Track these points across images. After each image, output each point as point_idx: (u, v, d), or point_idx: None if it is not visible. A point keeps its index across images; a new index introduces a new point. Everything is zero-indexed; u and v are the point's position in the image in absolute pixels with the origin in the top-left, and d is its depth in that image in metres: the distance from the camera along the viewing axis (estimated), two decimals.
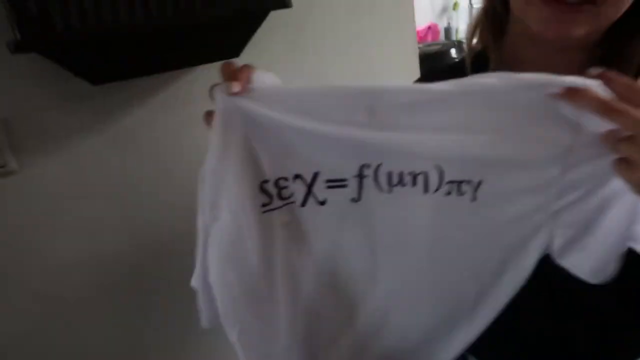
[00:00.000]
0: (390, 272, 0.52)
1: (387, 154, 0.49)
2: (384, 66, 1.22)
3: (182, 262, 1.02)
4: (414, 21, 1.28)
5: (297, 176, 0.51)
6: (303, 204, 0.51)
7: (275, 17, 0.98)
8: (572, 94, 0.42)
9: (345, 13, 1.16)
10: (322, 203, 0.50)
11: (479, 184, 0.49)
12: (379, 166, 0.50)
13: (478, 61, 0.64)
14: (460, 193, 0.49)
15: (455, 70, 0.57)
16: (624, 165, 0.41)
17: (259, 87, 0.50)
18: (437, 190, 0.49)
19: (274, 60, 1.08)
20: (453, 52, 2.39)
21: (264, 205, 0.50)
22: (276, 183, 0.50)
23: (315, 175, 0.50)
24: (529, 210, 0.48)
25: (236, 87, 0.48)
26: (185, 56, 0.92)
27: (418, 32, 3.52)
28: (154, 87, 0.96)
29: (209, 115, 0.51)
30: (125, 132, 0.95)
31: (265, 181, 0.50)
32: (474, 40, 0.69)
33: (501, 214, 0.49)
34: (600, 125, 0.42)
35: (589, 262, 0.48)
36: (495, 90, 0.46)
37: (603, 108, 0.40)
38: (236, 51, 0.94)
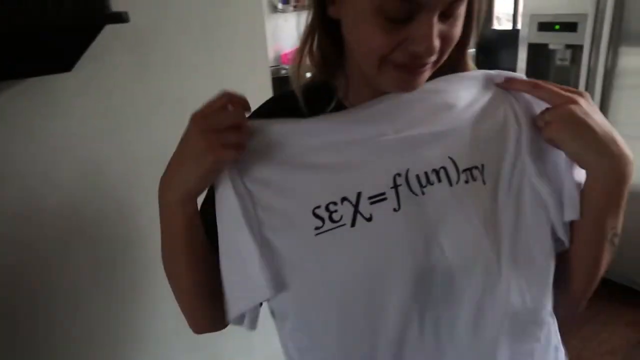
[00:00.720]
0: (442, 271, 0.55)
1: (411, 156, 0.57)
2: (236, 85, 1.23)
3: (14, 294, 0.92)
4: (265, 39, 1.31)
5: (343, 199, 0.55)
6: (353, 224, 0.55)
7: (117, 32, 0.94)
8: (511, 81, 0.60)
9: (196, 30, 1.16)
10: (369, 219, 0.55)
11: (483, 167, 0.57)
12: (407, 172, 0.56)
13: (318, 89, 0.63)
14: (474, 179, 0.57)
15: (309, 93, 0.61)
16: (548, 127, 0.57)
17: (293, 123, 0.58)
18: (458, 181, 0.56)
19: (115, 76, 1.03)
20: None
21: (316, 228, 0.55)
22: (327, 207, 0.55)
23: (359, 195, 0.55)
24: (521, 181, 0.59)
25: None
26: (10, 67, 0.84)
27: (286, 54, 3.67)
28: None
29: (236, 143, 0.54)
30: None
31: (318, 207, 0.55)
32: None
33: (504, 189, 0.58)
34: (528, 111, 0.60)
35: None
36: (469, 84, 0.60)
37: (530, 85, 0.59)
38: (68, 65, 0.89)
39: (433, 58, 0.53)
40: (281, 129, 0.57)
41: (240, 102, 0.55)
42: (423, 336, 0.56)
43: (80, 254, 1.04)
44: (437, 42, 0.51)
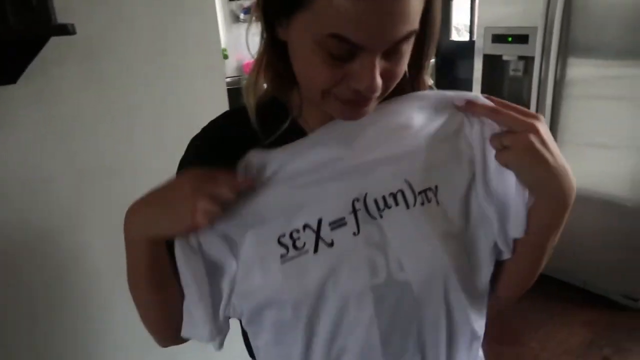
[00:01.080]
0: (400, 289, 0.57)
1: (368, 181, 0.58)
2: (189, 95, 1.23)
3: None
4: (219, 48, 1.30)
5: (305, 226, 0.57)
6: (315, 250, 0.57)
7: (65, 43, 0.92)
8: (471, 104, 0.59)
9: (147, 41, 1.15)
10: (331, 245, 0.57)
11: (437, 188, 0.59)
12: (365, 196, 0.58)
13: (272, 105, 0.62)
14: (429, 200, 0.59)
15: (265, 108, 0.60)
16: (505, 152, 0.57)
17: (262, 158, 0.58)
18: (415, 204, 0.58)
19: (63, 87, 1.01)
20: None
21: (282, 256, 0.57)
22: (290, 235, 0.57)
23: (320, 221, 0.57)
24: (472, 198, 0.61)
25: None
26: None
27: (248, 63, 3.67)
28: None
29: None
30: None
31: (282, 235, 0.57)
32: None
33: (456, 209, 0.60)
34: (481, 131, 0.59)
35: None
36: (423, 104, 0.60)
37: (491, 110, 0.58)
38: (12, 77, 0.86)
39: (376, 94, 0.53)
40: (247, 163, 0.58)
41: (246, 185, 0.57)
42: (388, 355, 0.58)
43: (25, 267, 1.01)
44: (379, 81, 0.50)
